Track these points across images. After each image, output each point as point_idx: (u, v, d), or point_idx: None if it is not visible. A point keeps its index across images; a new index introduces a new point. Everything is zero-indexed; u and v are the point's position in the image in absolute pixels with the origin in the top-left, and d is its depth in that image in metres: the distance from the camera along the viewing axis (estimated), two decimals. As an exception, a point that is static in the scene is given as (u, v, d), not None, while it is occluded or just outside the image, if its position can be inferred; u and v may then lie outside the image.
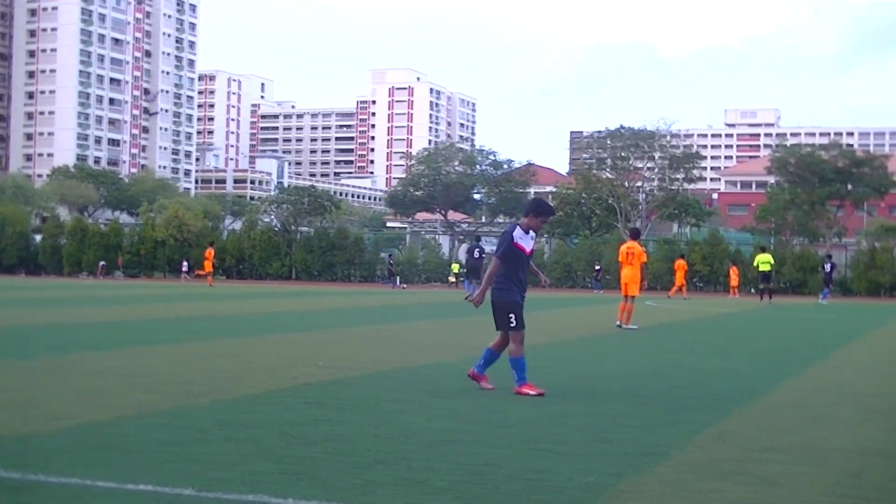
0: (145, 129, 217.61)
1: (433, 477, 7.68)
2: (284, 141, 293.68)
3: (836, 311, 41.67)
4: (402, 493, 7.15)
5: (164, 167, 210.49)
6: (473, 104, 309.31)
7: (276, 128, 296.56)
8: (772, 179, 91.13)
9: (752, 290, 62.92)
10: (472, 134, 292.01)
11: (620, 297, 26.92)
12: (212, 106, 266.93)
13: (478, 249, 45.99)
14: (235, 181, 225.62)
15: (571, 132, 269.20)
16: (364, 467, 7.99)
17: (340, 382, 13.40)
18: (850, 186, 77.84)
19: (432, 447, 8.88)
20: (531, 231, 12.88)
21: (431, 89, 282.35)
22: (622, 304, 26.54)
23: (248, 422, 10.00)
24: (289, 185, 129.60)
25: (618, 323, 26.28)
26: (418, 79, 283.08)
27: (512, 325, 12.60)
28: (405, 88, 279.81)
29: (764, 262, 51.98)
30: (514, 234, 12.74)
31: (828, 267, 56.24)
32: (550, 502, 6.99)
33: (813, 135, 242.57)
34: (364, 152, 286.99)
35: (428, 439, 9.25)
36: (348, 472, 7.81)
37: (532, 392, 12.30)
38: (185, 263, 79.94)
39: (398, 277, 72.92)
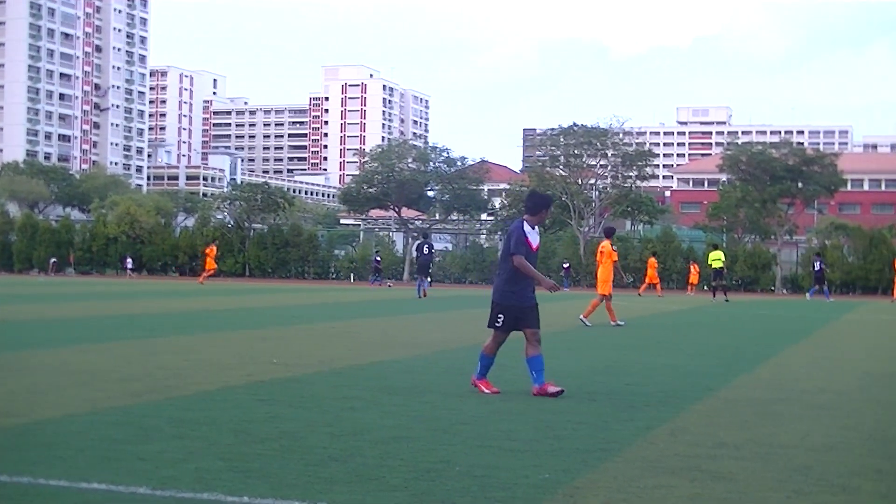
0: (96, 125, 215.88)
1: (387, 474, 7.68)
2: (237, 137, 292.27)
3: (788, 309, 42.00)
4: (355, 490, 7.15)
5: (116, 163, 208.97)
6: (427, 101, 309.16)
7: (229, 124, 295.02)
8: (724, 177, 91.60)
9: (705, 287, 63.21)
10: (426, 131, 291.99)
11: (592, 295, 27.08)
12: (164, 102, 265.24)
13: (427, 246, 46.00)
14: (188, 178, 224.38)
15: (524, 129, 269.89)
16: (317, 464, 7.98)
17: (293, 379, 13.37)
18: (800, 184, 78.35)
19: (385, 444, 8.88)
20: (535, 227, 12.80)
21: (385, 86, 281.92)
22: (607, 303, 26.86)
23: (200, 419, 9.96)
24: (242, 182, 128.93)
25: (612, 322, 26.52)
26: (371, 75, 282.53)
27: (497, 324, 12.59)
28: (358, 85, 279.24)
29: (716, 259, 52.33)
30: (524, 228, 12.58)
31: (817, 265, 56.86)
32: (504, 499, 7.00)
33: (764, 133, 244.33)
34: (317, 149, 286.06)
35: (381, 436, 9.25)
36: (301, 469, 7.80)
37: (486, 390, 12.40)
38: (128, 261, 79.70)
39: (382, 275, 72.59)
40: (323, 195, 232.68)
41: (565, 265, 71.96)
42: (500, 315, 12.52)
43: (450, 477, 7.64)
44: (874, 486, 7.71)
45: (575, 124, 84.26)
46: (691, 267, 65.45)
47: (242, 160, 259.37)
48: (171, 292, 44.90)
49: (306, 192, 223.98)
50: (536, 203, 12.95)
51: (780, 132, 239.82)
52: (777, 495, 7.36)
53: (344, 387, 12.72)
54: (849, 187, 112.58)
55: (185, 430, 9.30)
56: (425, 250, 46.02)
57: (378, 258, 73.57)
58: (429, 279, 47.22)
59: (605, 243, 27.49)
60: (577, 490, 7.32)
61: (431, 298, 43.18)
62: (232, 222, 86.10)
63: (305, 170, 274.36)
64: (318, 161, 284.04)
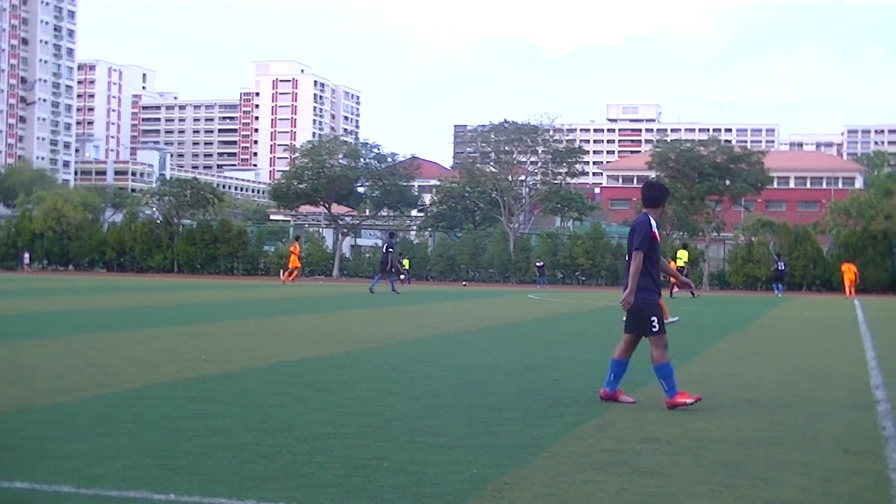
0: (22, 119, 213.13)
1: (317, 471, 7.67)
2: (167, 132, 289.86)
3: (715, 305, 42.41)
4: (285, 487, 7.13)
5: (43, 158, 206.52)
6: (358, 97, 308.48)
7: (158, 119, 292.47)
8: (652, 174, 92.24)
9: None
10: (357, 127, 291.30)
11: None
12: (92, 96, 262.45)
13: (386, 245, 47.89)
14: (116, 173, 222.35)
15: (455, 126, 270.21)
16: (247, 461, 7.95)
17: (223, 376, 13.30)
18: (728, 182, 79.13)
19: (315, 441, 8.86)
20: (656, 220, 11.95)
21: (315, 81, 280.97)
22: None
23: (128, 416, 9.89)
24: (171, 177, 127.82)
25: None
26: (302, 71, 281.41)
27: (654, 329, 11.56)
28: (289, 80, 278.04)
29: (681, 258, 53.32)
30: (651, 223, 11.70)
31: (781, 265, 58.48)
32: (434, 495, 7.02)
33: (693, 131, 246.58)
34: (247, 144, 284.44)
35: (311, 433, 9.23)
36: (231, 466, 7.77)
37: (689, 400, 11.41)
38: (26, 256, 78.92)
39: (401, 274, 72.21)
40: (253, 191, 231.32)
41: (538, 263, 72.10)
42: (652, 318, 11.58)
43: (380, 473, 7.64)
44: (798, 480, 7.82)
45: (506, 121, 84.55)
46: None
47: (172, 155, 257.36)
48: (100, 289, 44.45)
49: (236, 188, 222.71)
50: (660, 193, 12.11)
51: (708, 130, 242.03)
52: (703, 489, 7.44)
53: (274, 383, 12.68)
54: (775, 185, 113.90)
55: (113, 428, 9.23)
56: (385, 248, 47.52)
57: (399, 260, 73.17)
58: (401, 276, 48.37)
59: None
60: (505, 485, 7.36)
61: (362, 295, 43.12)
62: (160, 218, 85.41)
63: (235, 165, 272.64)
64: (248, 157, 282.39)
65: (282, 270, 57.96)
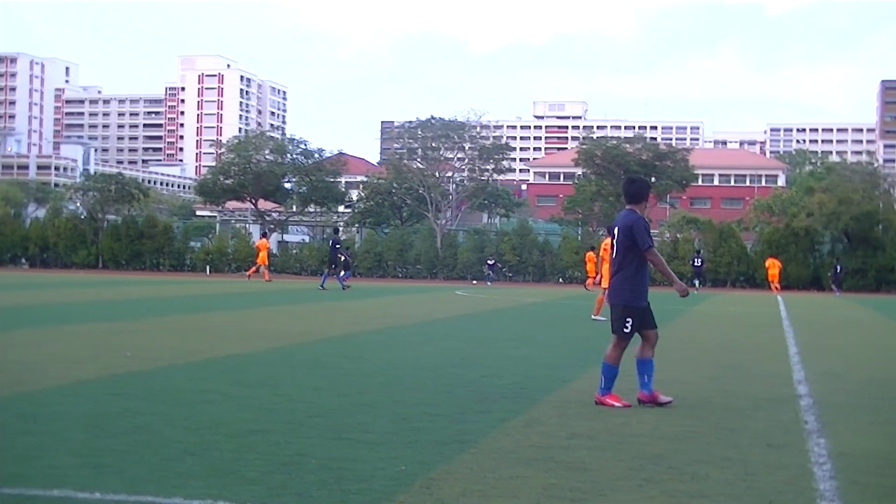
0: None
1: (243, 468, 7.64)
2: (90, 127, 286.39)
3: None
4: (211, 484, 7.09)
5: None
6: (284, 92, 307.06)
7: (82, 113, 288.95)
8: (579, 171, 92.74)
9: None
10: (283, 122, 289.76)
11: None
12: (13, 89, 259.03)
13: (333, 240, 49.18)
14: (39, 167, 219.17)
15: (382, 122, 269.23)
16: (173, 459, 7.89)
17: (148, 373, 13.20)
18: (653, 179, 79.75)
19: (241, 437, 8.83)
20: None
21: (242, 77, 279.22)
22: (600, 297, 27.26)
23: (51, 414, 9.78)
24: (95, 172, 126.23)
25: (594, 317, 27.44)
26: (228, 66, 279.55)
27: (625, 330, 11.52)
28: (215, 75, 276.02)
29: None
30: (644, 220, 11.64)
31: (698, 262, 59.01)
32: (360, 491, 7.02)
33: (619, 128, 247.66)
34: (173, 139, 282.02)
35: (237, 430, 9.19)
36: (156, 463, 7.72)
37: (618, 404, 11.32)
38: None
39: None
40: (179, 186, 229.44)
41: (490, 261, 72.11)
42: (628, 319, 11.46)
43: (306, 470, 7.63)
44: (721, 474, 7.91)
45: (433, 117, 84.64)
46: (587, 256, 65.34)
47: (96, 150, 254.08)
48: (24, 285, 43.91)
49: (162, 184, 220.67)
50: (645, 189, 12.02)
51: (634, 128, 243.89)
52: (629, 483, 7.50)
53: (200, 380, 12.60)
54: (700, 182, 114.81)
55: (35, 426, 9.12)
56: (331, 245, 48.79)
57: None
58: (343, 272, 48.84)
59: (608, 241, 27.69)
60: (433, 482, 7.37)
61: (289, 290, 42.98)
62: (85, 213, 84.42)
63: (161, 160, 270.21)
64: (173, 152, 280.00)
65: (261, 268, 57.44)
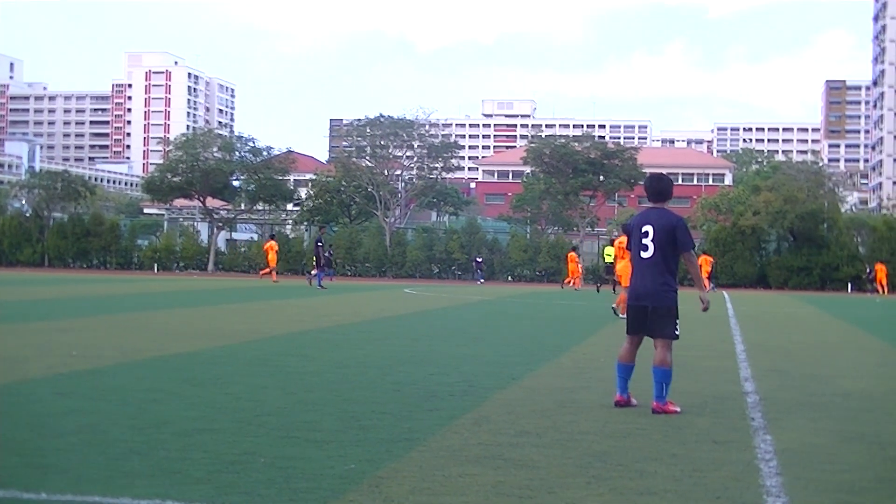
0: None
1: (190, 467, 7.60)
2: (36, 123, 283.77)
3: (589, 299, 42.87)
4: (158, 483, 7.05)
5: None
6: (232, 90, 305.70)
7: (27, 110, 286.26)
8: (527, 169, 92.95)
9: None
10: (231, 120, 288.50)
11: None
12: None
13: (317, 238, 50.27)
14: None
15: (331, 120, 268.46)
16: (118, 458, 7.84)
17: (94, 371, 13.10)
18: (602, 177, 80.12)
19: (188, 436, 8.78)
20: None
21: (189, 74, 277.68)
22: (622, 294, 27.85)
23: (-5, 414, 9.69)
24: (40, 170, 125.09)
25: (614, 309, 27.95)
26: (176, 63, 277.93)
27: (677, 333, 11.24)
28: (162, 72, 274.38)
29: (608, 254, 54.09)
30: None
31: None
32: (309, 490, 7.00)
33: (567, 126, 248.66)
34: (120, 137, 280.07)
35: (184, 428, 9.14)
36: (102, 463, 7.66)
37: (677, 409, 10.95)
38: None
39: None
40: (125, 184, 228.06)
41: (478, 259, 71.99)
42: (677, 321, 11.25)
43: (254, 469, 7.60)
44: (668, 470, 7.96)
45: (381, 115, 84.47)
46: (569, 257, 65.13)
47: (41, 147, 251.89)
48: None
49: (108, 181, 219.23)
50: (670, 185, 11.51)
51: (582, 126, 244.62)
52: (577, 481, 7.53)
53: (146, 379, 12.52)
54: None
55: (-21, 425, 9.03)
56: (315, 243, 49.77)
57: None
58: (329, 269, 49.13)
59: (625, 239, 28.25)
60: (381, 480, 7.36)
61: (237, 289, 42.81)
62: (30, 211, 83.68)
63: (108, 158, 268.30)
64: (120, 149, 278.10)
65: (271, 270, 56.99)
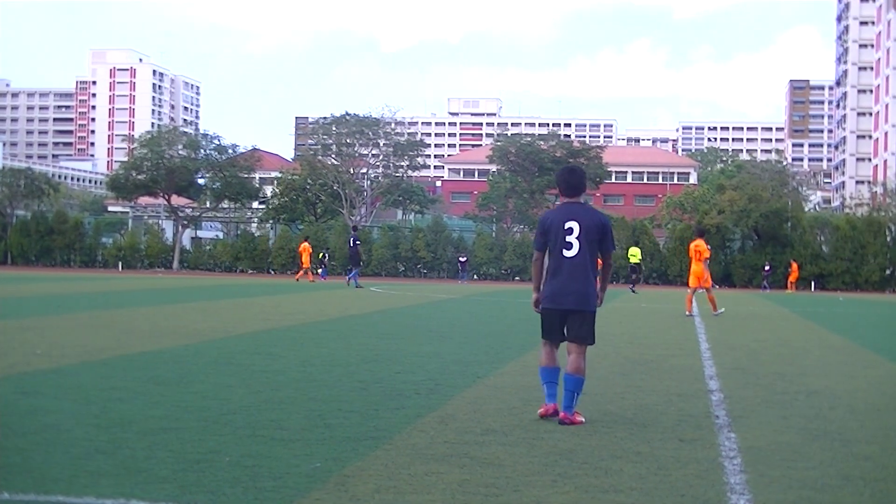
0: None
1: (155, 466, 7.57)
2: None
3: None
4: (122, 482, 7.02)
5: None
6: (198, 87, 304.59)
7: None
8: (493, 168, 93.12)
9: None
10: (197, 118, 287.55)
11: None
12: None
13: (352, 238, 50.31)
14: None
15: (297, 118, 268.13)
16: (82, 457, 7.80)
17: (58, 370, 13.02)
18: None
19: (153, 435, 8.74)
20: None
21: (154, 71, 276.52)
22: (689, 295, 30.39)
23: (-42, 413, 9.62)
24: (3, 167, 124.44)
25: (687, 313, 29.31)
26: (140, 60, 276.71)
27: (594, 339, 10.58)
28: (127, 69, 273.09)
29: (633, 255, 55.04)
30: None
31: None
32: (274, 489, 6.99)
33: (533, 125, 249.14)
34: (84, 134, 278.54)
35: (148, 427, 9.10)
36: (66, 462, 7.62)
37: (584, 420, 10.16)
38: None
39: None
40: (90, 182, 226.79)
41: (462, 258, 71.89)
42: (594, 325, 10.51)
43: (219, 468, 7.58)
44: (633, 468, 7.98)
45: (347, 113, 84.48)
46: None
47: (4, 144, 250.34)
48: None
49: (72, 178, 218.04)
50: (584, 179, 10.85)
51: (548, 125, 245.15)
52: (542, 479, 7.54)
53: (111, 377, 12.45)
54: (613, 179, 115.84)
55: (-59, 425, 8.97)
56: (351, 243, 49.94)
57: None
58: (355, 270, 49.05)
59: (700, 241, 30.19)
60: (347, 478, 7.36)
61: (202, 287, 42.66)
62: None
63: (71, 155, 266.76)
64: (84, 147, 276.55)
65: (306, 271, 57.42)
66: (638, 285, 54.98)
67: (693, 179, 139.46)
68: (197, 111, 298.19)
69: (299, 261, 60.87)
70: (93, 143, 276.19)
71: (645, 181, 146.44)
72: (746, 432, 9.74)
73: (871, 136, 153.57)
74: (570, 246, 10.29)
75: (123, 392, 11.24)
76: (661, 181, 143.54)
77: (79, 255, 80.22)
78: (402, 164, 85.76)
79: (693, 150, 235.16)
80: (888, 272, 72.78)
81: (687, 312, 29.52)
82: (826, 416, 10.96)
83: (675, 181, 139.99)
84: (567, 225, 10.32)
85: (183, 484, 7.04)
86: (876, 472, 8.14)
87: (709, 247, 31.18)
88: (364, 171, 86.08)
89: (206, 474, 7.35)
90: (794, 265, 68.27)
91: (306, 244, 58.93)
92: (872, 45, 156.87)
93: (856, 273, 71.16)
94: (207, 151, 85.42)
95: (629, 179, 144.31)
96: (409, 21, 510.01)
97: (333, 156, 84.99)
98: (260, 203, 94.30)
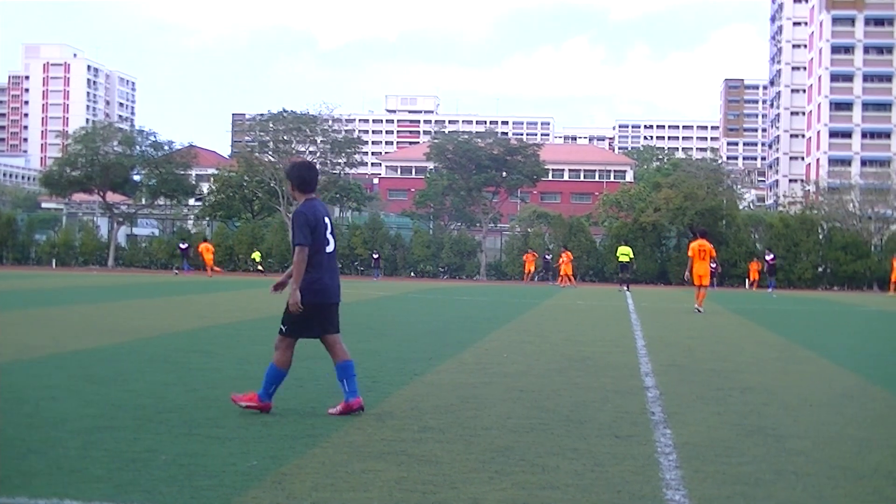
0: None
1: (89, 465, 7.51)
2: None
3: (492, 295, 43.05)
4: (56, 482, 6.96)
5: None
6: (133, 83, 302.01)
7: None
8: (431, 165, 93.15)
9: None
10: (132, 114, 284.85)
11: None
12: None
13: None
14: None
15: (234, 115, 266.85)
16: (15, 457, 7.72)
17: (-10, 369, 12.87)
18: (504, 173, 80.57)
19: (87, 434, 8.67)
20: None
21: (89, 66, 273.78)
22: (697, 292, 31.51)
23: None
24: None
25: (696, 308, 30.95)
26: (75, 55, 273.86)
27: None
28: (61, 65, 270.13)
29: (624, 253, 55.50)
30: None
31: (770, 257, 60.72)
32: (211, 487, 6.95)
33: (470, 122, 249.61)
34: (17, 130, 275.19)
35: (82, 426, 9.02)
36: (-2, 462, 7.54)
37: (244, 403, 10.17)
38: None
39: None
40: (23, 178, 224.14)
41: (375, 255, 71.57)
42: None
43: (155, 466, 7.53)
44: (570, 465, 8.02)
45: (284, 110, 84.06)
46: (563, 255, 64.76)
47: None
48: None
49: (4, 175, 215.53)
50: (316, 174, 10.97)
51: (485, 122, 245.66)
52: (480, 476, 7.56)
53: (43, 376, 12.33)
54: (550, 177, 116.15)
55: None
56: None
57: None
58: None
59: (705, 242, 31.76)
60: (284, 476, 7.34)
61: (137, 285, 42.33)
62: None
63: (4, 151, 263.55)
64: (17, 142, 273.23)
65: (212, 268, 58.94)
66: (625, 284, 54.99)
67: (629, 177, 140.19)
68: (132, 107, 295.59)
69: (201, 258, 65.17)
70: (26, 139, 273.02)
71: (582, 179, 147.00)
72: (682, 428, 9.82)
73: (803, 136, 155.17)
74: (328, 242, 10.46)
75: (57, 391, 11.14)
76: (597, 179, 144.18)
77: (11, 252, 79.36)
78: (340, 161, 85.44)
79: (629, 149, 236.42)
80: (820, 269, 73.63)
81: (699, 309, 30.85)
82: (760, 412, 11.07)
83: (612, 179, 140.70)
84: (325, 221, 10.46)
85: (118, 483, 6.99)
86: (808, 467, 8.24)
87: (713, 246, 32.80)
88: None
89: (141, 473, 7.31)
90: (754, 265, 68.47)
91: (207, 244, 61.52)
92: (805, 46, 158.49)
93: (789, 270, 71.85)
94: (143, 148, 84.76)
95: (566, 177, 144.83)
96: (346, 18, 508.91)
97: (270, 152, 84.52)
98: (196, 200, 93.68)
